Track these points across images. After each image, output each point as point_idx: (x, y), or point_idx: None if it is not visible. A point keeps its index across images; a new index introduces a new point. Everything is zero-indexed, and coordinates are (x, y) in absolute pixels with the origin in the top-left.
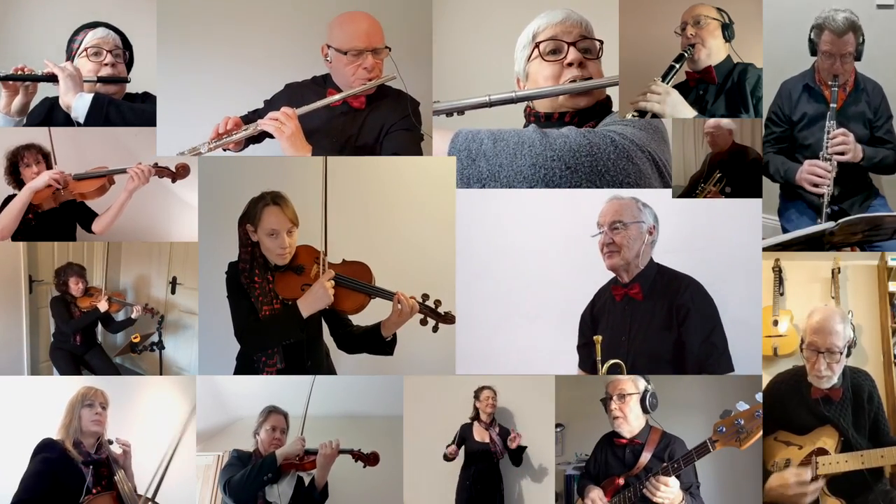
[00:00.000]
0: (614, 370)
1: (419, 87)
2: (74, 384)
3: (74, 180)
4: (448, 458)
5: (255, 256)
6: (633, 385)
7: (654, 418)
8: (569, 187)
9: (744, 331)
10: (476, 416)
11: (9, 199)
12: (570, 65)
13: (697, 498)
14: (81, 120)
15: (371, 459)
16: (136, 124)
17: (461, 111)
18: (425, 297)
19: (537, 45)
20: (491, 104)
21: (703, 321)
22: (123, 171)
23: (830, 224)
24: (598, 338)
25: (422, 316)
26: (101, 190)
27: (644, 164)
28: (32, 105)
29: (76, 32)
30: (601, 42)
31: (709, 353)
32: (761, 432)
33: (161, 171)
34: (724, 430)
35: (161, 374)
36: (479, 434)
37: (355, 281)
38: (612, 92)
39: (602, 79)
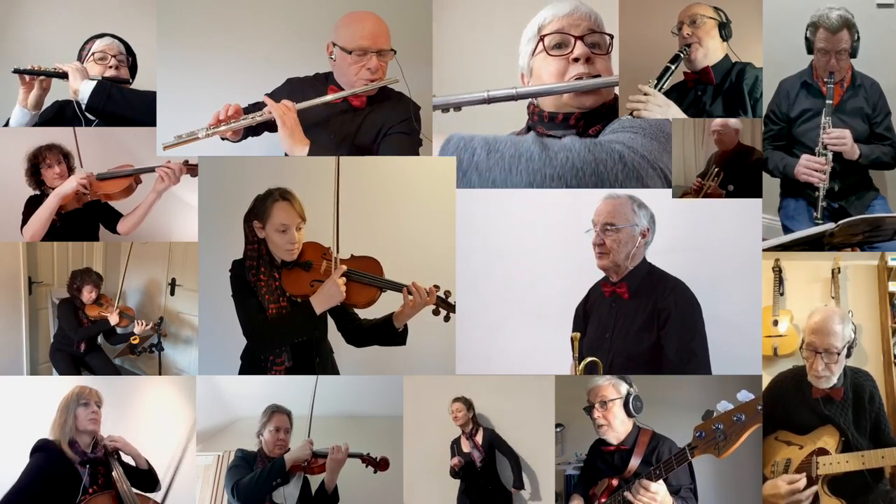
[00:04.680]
0: (591, 368)
1: (419, 88)
2: (74, 384)
3: (98, 180)
4: (454, 469)
5: (261, 253)
6: (615, 390)
7: (649, 417)
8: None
9: (744, 331)
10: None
11: (31, 199)
12: (576, 60)
13: (690, 500)
14: (86, 100)
15: (381, 464)
16: (138, 107)
17: (458, 107)
18: (437, 287)
19: (542, 39)
20: (489, 101)
21: (683, 326)
22: (151, 171)
23: (830, 225)
24: (575, 335)
25: (434, 306)
26: (128, 190)
27: (654, 182)
28: (46, 103)
29: (87, 42)
30: (611, 36)
31: (687, 359)
32: (743, 439)
33: (193, 169)
34: (703, 434)
35: (160, 375)
36: (465, 445)
37: (367, 275)
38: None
39: (602, 78)
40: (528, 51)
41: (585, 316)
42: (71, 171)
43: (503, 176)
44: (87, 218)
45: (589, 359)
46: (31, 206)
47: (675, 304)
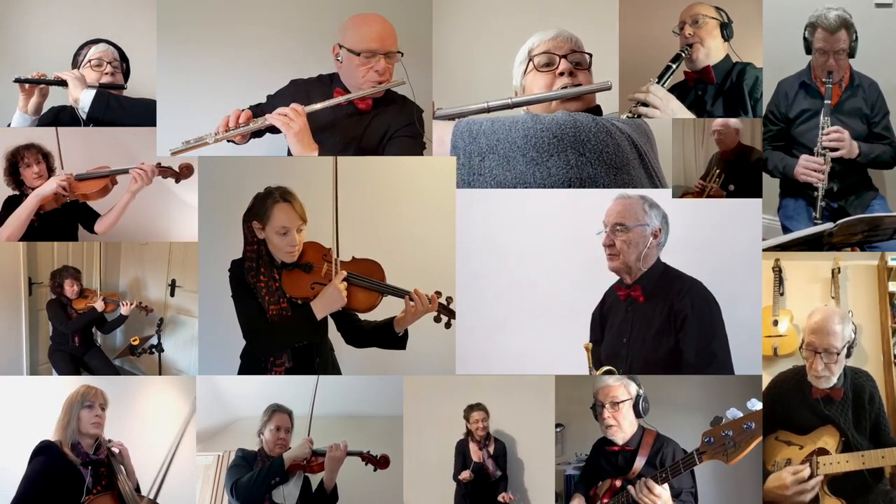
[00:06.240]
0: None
1: (420, 91)
2: (73, 384)
3: (76, 181)
4: (462, 482)
5: (261, 254)
6: (626, 391)
7: (652, 417)
8: (555, 153)
9: (744, 331)
10: (469, 435)
11: (9, 199)
12: (561, 74)
13: (690, 503)
14: (87, 109)
15: (381, 462)
16: (136, 115)
17: (462, 117)
18: (438, 294)
19: (532, 59)
20: (489, 110)
21: (701, 328)
22: (126, 172)
23: (830, 225)
24: (587, 344)
25: (436, 313)
26: (104, 191)
27: (623, 143)
28: (45, 108)
29: (81, 47)
30: (590, 55)
31: (708, 362)
32: (752, 446)
33: (164, 171)
34: (711, 440)
35: (160, 375)
36: (475, 454)
37: (368, 279)
38: (603, 99)
39: (593, 84)
40: (520, 72)
41: (602, 321)
42: (50, 170)
43: (505, 134)
44: (66, 218)
45: (605, 368)
46: (9, 206)
47: (691, 305)
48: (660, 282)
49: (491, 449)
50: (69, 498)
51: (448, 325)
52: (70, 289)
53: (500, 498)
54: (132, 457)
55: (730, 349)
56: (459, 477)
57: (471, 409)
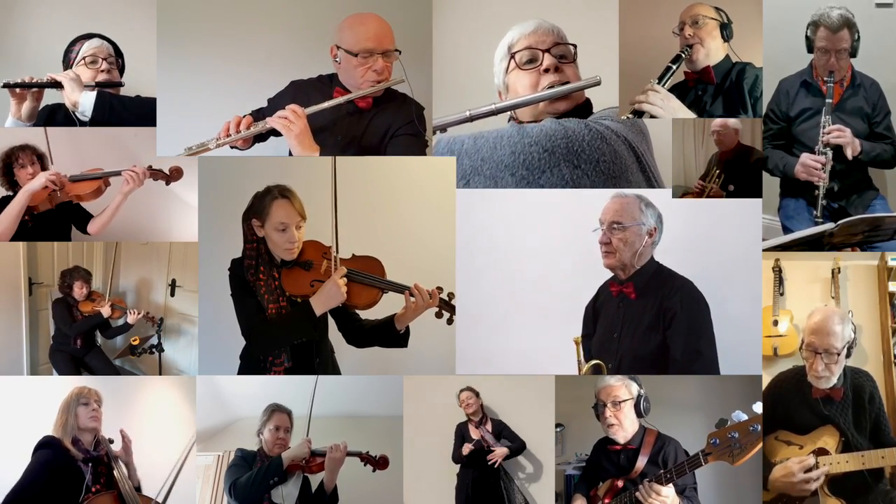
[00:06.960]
0: (596, 370)
1: (419, 90)
2: (73, 384)
3: (70, 182)
4: (462, 457)
5: (260, 252)
6: (627, 390)
7: (653, 418)
8: (548, 169)
9: (744, 331)
10: (467, 417)
11: (2, 200)
12: (546, 71)
13: (694, 499)
14: (89, 114)
15: (380, 463)
16: (139, 115)
17: (443, 129)
18: (440, 289)
19: (513, 57)
20: (472, 119)
21: (689, 326)
22: (118, 174)
23: (830, 225)
24: (577, 338)
25: (437, 308)
26: (98, 192)
27: (620, 147)
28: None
29: (72, 43)
30: (575, 46)
31: (693, 359)
32: (757, 448)
33: (155, 173)
34: (717, 442)
35: (160, 375)
36: (474, 433)
37: (368, 275)
38: (592, 94)
39: (579, 81)
40: (501, 69)
41: (595, 315)
42: (45, 171)
43: (489, 153)
44: (59, 218)
45: (594, 361)
46: (3, 207)
47: (680, 303)
48: (652, 279)
49: (488, 427)
50: (69, 495)
51: (450, 321)
52: (79, 291)
53: (488, 458)
54: (133, 453)
55: (716, 349)
56: (462, 450)
57: (460, 391)
